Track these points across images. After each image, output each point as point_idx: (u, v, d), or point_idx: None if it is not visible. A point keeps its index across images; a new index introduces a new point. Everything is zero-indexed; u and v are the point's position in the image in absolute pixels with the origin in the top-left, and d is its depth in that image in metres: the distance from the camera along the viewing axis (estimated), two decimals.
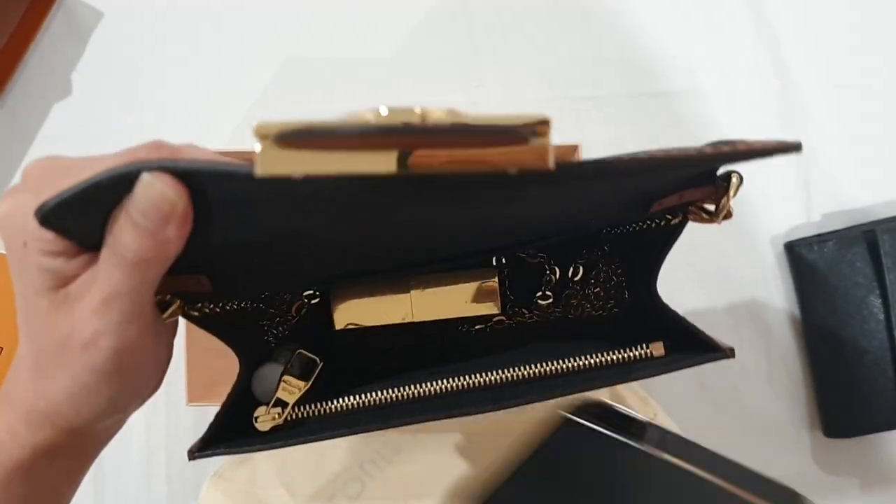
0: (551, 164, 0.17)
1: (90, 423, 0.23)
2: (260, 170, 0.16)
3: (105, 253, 0.20)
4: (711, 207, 0.26)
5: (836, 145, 0.51)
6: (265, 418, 0.29)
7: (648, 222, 0.29)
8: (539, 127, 0.16)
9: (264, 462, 0.46)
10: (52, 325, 0.21)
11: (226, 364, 0.30)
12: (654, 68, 0.52)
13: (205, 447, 0.27)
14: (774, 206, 0.50)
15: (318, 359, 0.29)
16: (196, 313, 0.26)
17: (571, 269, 0.34)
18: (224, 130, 0.51)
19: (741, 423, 0.49)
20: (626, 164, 0.20)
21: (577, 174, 0.20)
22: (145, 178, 0.18)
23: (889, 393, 0.46)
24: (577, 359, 0.29)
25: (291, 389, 0.29)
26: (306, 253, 0.25)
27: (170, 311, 0.24)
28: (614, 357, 0.29)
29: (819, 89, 0.51)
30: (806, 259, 0.48)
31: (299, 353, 0.29)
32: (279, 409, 0.29)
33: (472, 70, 0.52)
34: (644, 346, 0.29)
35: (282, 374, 0.29)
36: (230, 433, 0.28)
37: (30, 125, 0.51)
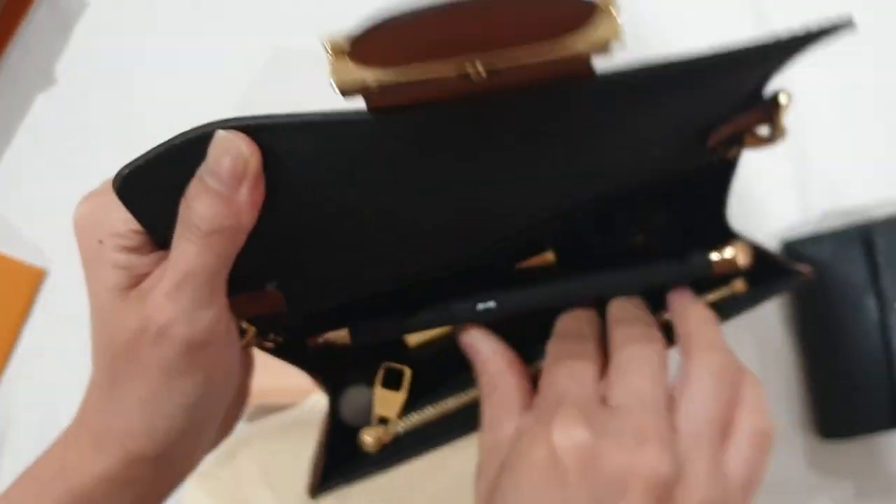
0: (620, 34, 0.16)
1: (164, 448, 0.22)
2: (334, 78, 0.16)
3: (178, 231, 0.20)
4: (765, 131, 0.26)
5: (834, 144, 0.50)
6: (371, 439, 0.28)
7: (708, 160, 0.28)
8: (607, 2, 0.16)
9: (248, 461, 0.45)
10: (124, 324, 0.21)
11: None
12: None
13: (322, 484, 0.27)
14: (771, 204, 0.50)
15: (406, 368, 0.28)
16: (271, 345, 0.26)
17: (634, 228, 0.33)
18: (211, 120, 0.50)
19: None
20: (702, 60, 0.19)
21: (649, 70, 0.19)
22: (219, 133, 0.18)
23: (884, 394, 0.45)
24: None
25: (389, 404, 0.28)
26: (373, 246, 0.24)
27: (244, 339, 0.24)
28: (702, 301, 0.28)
29: (818, 88, 0.51)
30: (801, 258, 0.48)
31: (387, 366, 0.28)
32: (383, 427, 0.28)
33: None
34: (724, 285, 0.28)
35: (372, 390, 0.28)
36: (339, 463, 0.27)
37: (12, 117, 0.50)
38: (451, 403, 0.28)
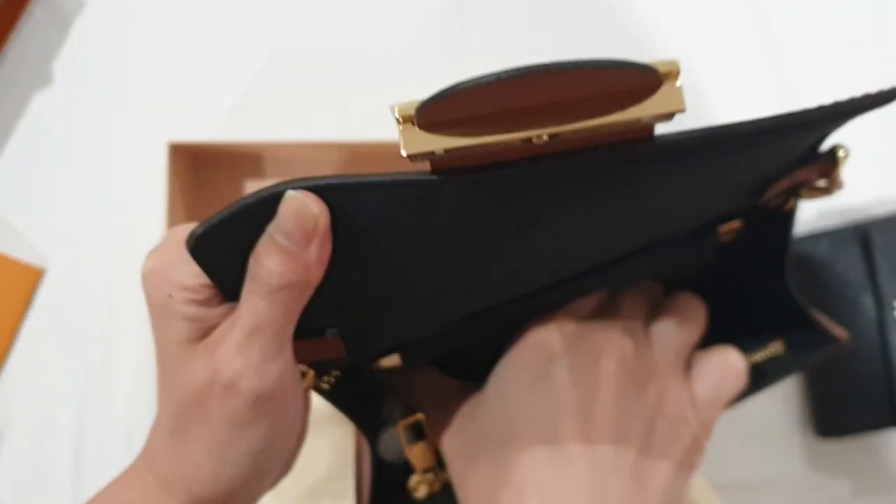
0: (685, 105, 0.17)
1: (228, 489, 0.22)
2: (405, 149, 0.16)
3: (247, 286, 0.20)
4: (822, 183, 0.26)
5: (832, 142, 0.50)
6: (420, 486, 0.28)
7: (764, 209, 0.28)
8: (672, 70, 0.16)
9: None
10: (192, 375, 0.21)
11: None
12: None
13: None
14: None
15: (419, 416, 0.28)
16: (327, 386, 0.26)
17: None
18: (211, 121, 0.50)
19: (733, 423, 0.49)
20: (760, 126, 0.20)
21: (708, 136, 0.20)
22: (289, 193, 0.19)
23: (881, 392, 0.46)
24: None
25: (424, 456, 0.28)
26: (433, 299, 0.24)
27: (305, 384, 0.24)
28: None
29: (816, 88, 0.51)
30: (799, 257, 0.48)
31: (404, 425, 0.28)
32: (431, 475, 0.28)
33: (464, 66, 0.52)
34: (764, 345, 0.29)
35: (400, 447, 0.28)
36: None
37: (10, 117, 0.50)
38: None
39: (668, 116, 0.17)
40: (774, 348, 0.28)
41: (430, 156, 0.17)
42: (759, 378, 0.27)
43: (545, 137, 0.17)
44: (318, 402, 0.28)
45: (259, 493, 0.25)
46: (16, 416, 0.49)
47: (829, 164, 0.26)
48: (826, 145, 0.26)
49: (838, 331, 0.27)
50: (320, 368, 0.25)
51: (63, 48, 0.51)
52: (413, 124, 0.16)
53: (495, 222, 0.21)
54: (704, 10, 0.53)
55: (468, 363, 0.30)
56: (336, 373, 0.26)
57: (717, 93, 0.51)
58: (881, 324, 0.45)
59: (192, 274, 0.21)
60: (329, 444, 0.41)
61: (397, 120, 0.17)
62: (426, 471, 0.28)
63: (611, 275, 0.28)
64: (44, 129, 0.50)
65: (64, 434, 0.49)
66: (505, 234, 0.22)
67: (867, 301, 0.46)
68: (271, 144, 0.48)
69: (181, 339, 0.21)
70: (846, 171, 0.49)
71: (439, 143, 0.17)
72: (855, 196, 0.50)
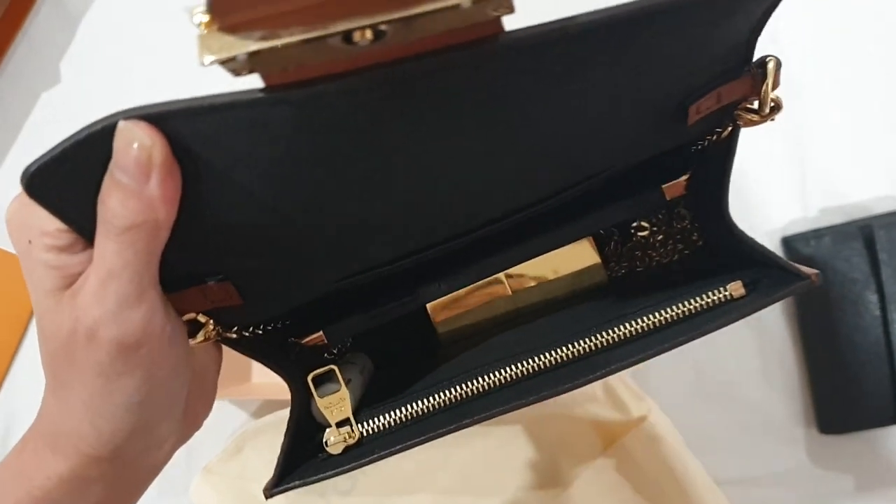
0: None
1: (115, 447, 0.22)
2: (202, 55, 0.14)
3: (97, 229, 0.19)
4: (756, 105, 0.24)
5: (833, 140, 0.50)
6: (336, 440, 0.26)
7: (701, 142, 0.26)
8: None
9: (254, 457, 0.46)
10: (58, 325, 0.20)
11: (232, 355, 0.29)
12: None
13: (279, 483, 0.26)
14: (771, 201, 0.50)
15: (333, 366, 0.27)
16: (234, 336, 0.25)
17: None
18: None
19: (736, 420, 0.49)
20: (633, 9, 0.17)
21: (561, 26, 0.17)
22: (120, 125, 0.17)
23: (884, 389, 0.46)
24: (648, 317, 0.26)
25: (338, 407, 0.27)
26: (324, 236, 0.23)
27: (202, 333, 0.23)
28: (689, 307, 0.26)
29: (816, 84, 0.51)
30: (802, 254, 0.48)
31: (313, 376, 0.27)
32: (348, 429, 0.27)
33: None
34: (721, 289, 0.26)
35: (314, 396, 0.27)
36: (301, 463, 0.27)
37: (17, 114, 0.50)
38: (420, 406, 0.27)
39: (503, 2, 0.15)
40: (733, 289, 0.26)
41: (242, 64, 0.15)
42: (713, 320, 0.26)
43: (368, 36, 0.15)
44: None
45: (157, 450, 0.24)
46: (21, 420, 0.50)
47: (759, 77, 0.23)
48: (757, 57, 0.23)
49: (806, 269, 0.25)
50: (223, 319, 0.24)
51: (71, 46, 0.51)
52: (215, 28, 0.14)
53: (347, 148, 0.19)
54: None
55: (411, 352, 0.30)
56: (254, 331, 0.25)
57: None
58: (885, 321, 0.45)
59: (49, 218, 0.19)
60: None
61: (197, 25, 0.15)
62: (341, 424, 0.26)
63: (548, 232, 0.26)
64: (51, 127, 0.50)
65: None
66: (363, 163, 0.20)
67: (870, 298, 0.46)
68: None
69: (47, 288, 0.20)
70: (851, 168, 0.50)
71: (241, 46, 0.15)
72: (858, 193, 0.50)
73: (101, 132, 0.17)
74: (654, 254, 0.32)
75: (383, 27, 0.15)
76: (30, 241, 0.20)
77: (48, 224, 0.19)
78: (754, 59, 0.23)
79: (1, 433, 0.50)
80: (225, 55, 0.15)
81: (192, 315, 0.23)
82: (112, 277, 0.19)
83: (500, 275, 0.31)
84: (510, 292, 0.32)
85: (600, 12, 0.18)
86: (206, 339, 0.23)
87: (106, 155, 0.18)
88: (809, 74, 0.51)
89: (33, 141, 0.50)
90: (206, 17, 0.14)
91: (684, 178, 0.28)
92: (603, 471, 0.43)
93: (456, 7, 0.15)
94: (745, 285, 0.26)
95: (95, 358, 0.20)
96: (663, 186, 0.28)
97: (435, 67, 0.17)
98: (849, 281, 0.46)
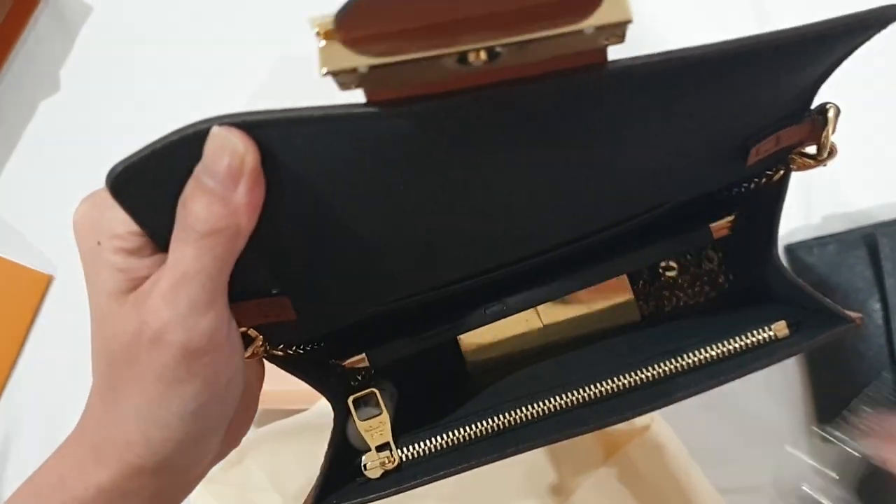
0: (631, 15, 0.15)
1: (161, 458, 0.21)
2: (324, 65, 0.15)
3: (175, 232, 0.19)
4: (812, 149, 0.24)
5: (838, 147, 0.50)
6: (374, 465, 0.26)
7: (748, 184, 0.26)
8: None
9: (256, 466, 0.46)
10: (121, 328, 0.20)
11: None
12: None
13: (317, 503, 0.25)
14: None
15: (374, 390, 0.26)
16: (280, 353, 0.25)
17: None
18: None
19: (739, 429, 0.49)
20: (725, 48, 0.18)
21: (665, 59, 0.17)
22: (214, 130, 0.18)
23: (888, 397, 0.45)
24: (695, 353, 0.26)
25: (378, 431, 0.26)
26: (386, 254, 0.22)
27: (251, 347, 0.23)
28: (733, 346, 0.26)
29: (820, 91, 0.51)
30: (805, 262, 0.47)
31: (354, 398, 0.26)
32: (387, 453, 0.26)
33: None
34: (766, 328, 0.26)
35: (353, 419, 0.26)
36: (341, 485, 0.26)
37: (16, 124, 0.50)
38: (462, 433, 0.26)
39: (615, 31, 0.15)
40: (777, 329, 0.26)
41: (355, 77, 0.15)
42: (756, 360, 0.26)
43: (482, 56, 0.15)
44: (328, 407, 0.28)
45: (199, 464, 0.24)
46: (24, 422, 0.50)
47: (819, 124, 0.23)
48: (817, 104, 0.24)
49: (849, 312, 0.25)
50: (272, 336, 0.23)
51: (70, 55, 0.51)
52: (336, 41, 0.15)
53: (439, 167, 0.19)
54: (707, 11, 0.53)
55: (437, 379, 0.29)
56: (294, 351, 0.25)
57: None
58: (888, 330, 0.45)
59: (121, 221, 0.20)
60: None
61: (317, 35, 0.15)
62: (381, 448, 0.26)
63: (593, 269, 0.26)
64: (51, 136, 0.50)
65: None
66: (452, 182, 0.20)
67: (874, 306, 0.46)
68: None
69: (111, 291, 0.20)
70: (855, 175, 0.50)
71: (362, 59, 0.15)
72: (861, 200, 0.50)
73: (192, 136, 0.18)
74: (682, 294, 0.32)
75: (499, 49, 0.15)
76: (98, 243, 0.20)
77: (119, 226, 0.20)
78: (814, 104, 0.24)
79: (1, 442, 0.50)
80: (346, 66, 0.15)
81: (244, 328, 0.23)
82: (186, 281, 0.19)
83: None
84: (542, 324, 0.32)
85: (708, 47, 0.18)
86: (254, 355, 0.23)
87: (192, 160, 0.18)
88: None
89: (32, 152, 0.50)
90: (329, 28, 0.15)
91: (730, 218, 0.28)
92: (605, 480, 0.43)
93: (578, 33, 0.15)
94: (788, 325, 0.26)
95: (160, 362, 0.20)
96: (711, 225, 0.28)
97: (546, 91, 0.18)
98: (852, 289, 0.46)
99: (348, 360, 0.28)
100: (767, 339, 0.26)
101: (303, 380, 0.26)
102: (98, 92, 0.51)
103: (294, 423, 0.45)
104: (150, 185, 0.19)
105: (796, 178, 0.50)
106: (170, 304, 0.19)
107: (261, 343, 0.23)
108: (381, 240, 0.22)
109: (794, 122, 0.23)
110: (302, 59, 0.51)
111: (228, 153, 0.18)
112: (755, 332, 0.26)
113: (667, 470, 0.42)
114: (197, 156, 0.18)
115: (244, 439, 0.46)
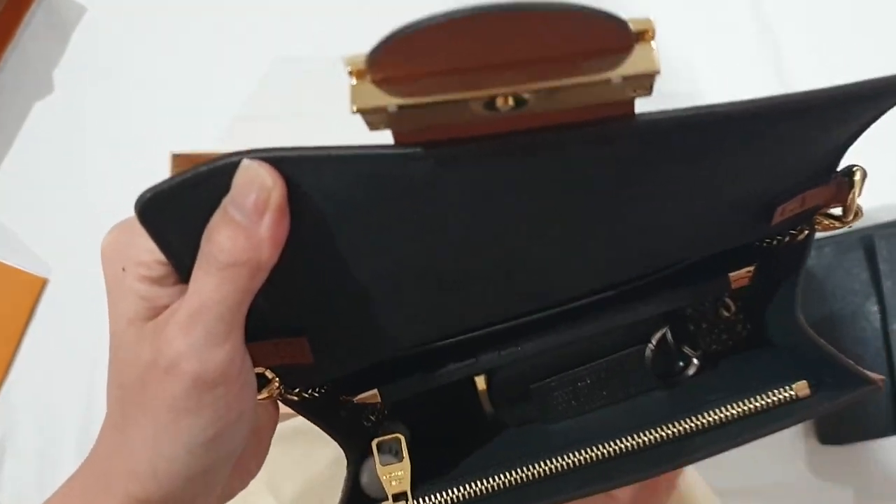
0: (659, 66, 0.15)
1: (166, 492, 0.21)
2: (355, 103, 0.15)
3: (197, 262, 0.19)
4: (838, 211, 0.24)
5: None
6: None
7: (771, 240, 0.26)
8: (645, 28, 0.15)
9: None
10: (137, 356, 0.20)
11: None
12: None
13: None
14: None
15: (399, 435, 0.26)
16: (295, 398, 0.24)
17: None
18: (211, 130, 0.50)
19: None
20: (750, 106, 0.18)
21: (693, 114, 0.18)
22: (244, 163, 0.18)
23: (884, 400, 0.46)
24: (711, 413, 0.26)
25: (396, 476, 0.26)
26: (406, 298, 0.23)
27: (266, 389, 0.23)
28: (754, 405, 0.26)
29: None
30: None
31: (378, 442, 0.26)
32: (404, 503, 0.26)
33: None
34: (787, 387, 0.26)
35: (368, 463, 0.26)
36: None
37: (10, 125, 0.50)
38: (481, 486, 0.26)
39: (643, 82, 0.15)
40: (798, 389, 0.26)
41: (384, 117, 0.16)
42: (775, 420, 0.25)
43: (510, 102, 0.15)
44: None
45: (205, 502, 0.23)
46: (19, 425, 0.49)
47: (845, 186, 0.24)
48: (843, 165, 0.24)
49: (870, 374, 0.25)
50: (288, 379, 0.23)
51: (63, 56, 0.51)
52: (367, 80, 0.15)
53: (462, 211, 0.20)
54: (707, 12, 0.53)
55: (452, 419, 0.28)
56: (305, 394, 0.25)
57: (720, 98, 0.51)
58: (885, 332, 0.45)
59: (147, 249, 0.20)
60: (332, 453, 0.41)
61: (350, 73, 0.15)
62: (398, 497, 0.26)
63: (611, 313, 0.26)
64: (45, 138, 0.50)
65: (67, 442, 0.49)
66: (476, 227, 0.20)
67: (871, 309, 0.46)
68: None
69: (131, 318, 0.20)
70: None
71: (392, 98, 0.15)
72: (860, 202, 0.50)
73: (223, 168, 0.18)
74: (701, 341, 0.31)
75: (527, 95, 0.15)
76: (123, 269, 0.20)
77: (145, 255, 0.20)
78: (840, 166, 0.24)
79: None
80: (376, 105, 0.15)
81: (260, 369, 0.22)
82: (204, 311, 0.19)
83: None
84: None
85: (738, 104, 0.18)
86: (269, 396, 0.23)
87: (220, 191, 0.18)
88: (812, 81, 0.51)
89: (26, 153, 0.50)
90: (361, 68, 0.15)
91: (750, 268, 0.27)
92: None
93: (606, 82, 0.15)
94: (809, 385, 0.26)
95: (170, 391, 0.20)
96: (730, 275, 0.27)
97: (571, 140, 0.18)
98: (849, 292, 0.46)
99: (359, 396, 0.27)
100: (788, 399, 0.26)
101: (318, 425, 0.26)
102: (92, 93, 0.51)
103: (290, 428, 0.45)
104: (177, 213, 0.19)
105: None
106: (186, 334, 0.19)
107: (277, 385, 0.23)
108: (402, 283, 0.22)
109: (821, 182, 0.24)
110: (297, 62, 0.51)
111: (256, 187, 0.18)
112: (776, 391, 0.26)
113: None
114: (226, 187, 0.18)
115: None
